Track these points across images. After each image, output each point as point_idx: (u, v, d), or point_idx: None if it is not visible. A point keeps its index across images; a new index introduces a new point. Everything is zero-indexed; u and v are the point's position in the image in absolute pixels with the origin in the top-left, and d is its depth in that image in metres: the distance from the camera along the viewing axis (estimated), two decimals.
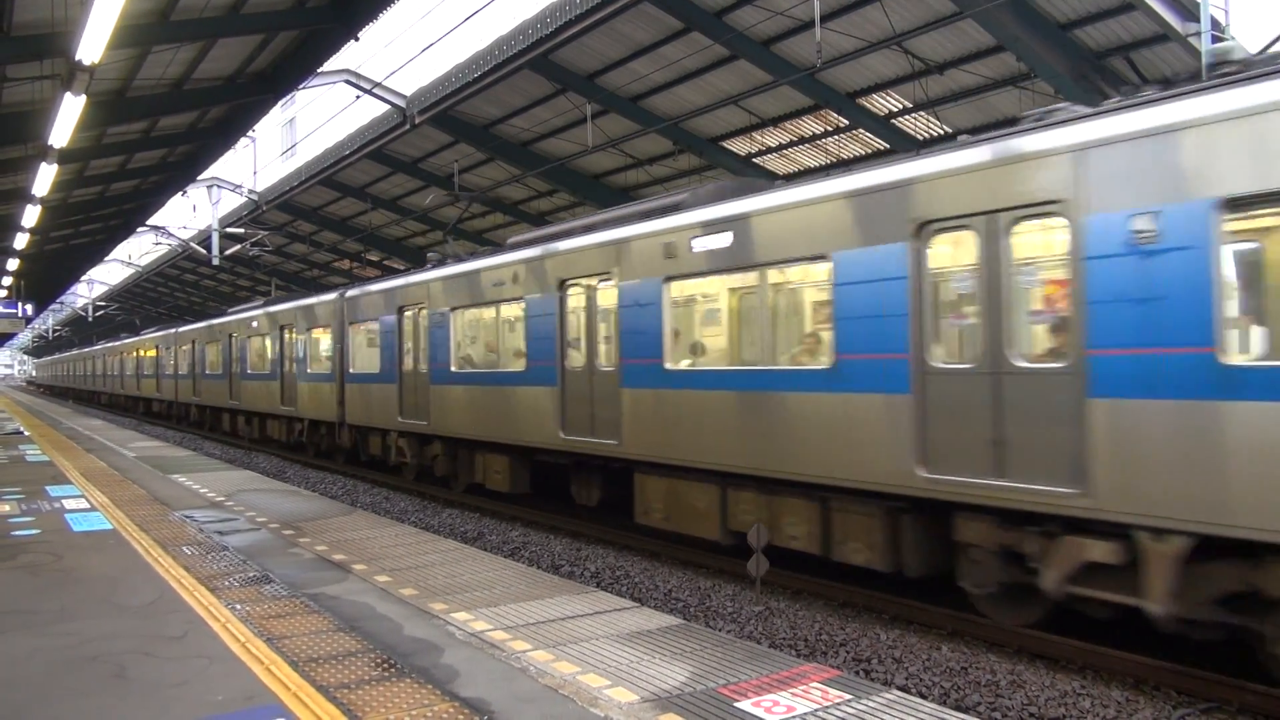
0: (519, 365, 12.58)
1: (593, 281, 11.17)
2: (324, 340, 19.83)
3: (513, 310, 12.99)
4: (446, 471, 15.07)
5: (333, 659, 5.09)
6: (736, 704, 4.45)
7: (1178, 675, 6.49)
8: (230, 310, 28.76)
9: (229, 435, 27.86)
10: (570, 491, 12.32)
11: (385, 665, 4.99)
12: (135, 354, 42.06)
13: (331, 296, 19.40)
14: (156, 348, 37.12)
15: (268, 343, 23.22)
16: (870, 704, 4.46)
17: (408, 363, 15.80)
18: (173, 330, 34.53)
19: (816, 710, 4.38)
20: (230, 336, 26.25)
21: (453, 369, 14.25)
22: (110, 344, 51.06)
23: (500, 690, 4.62)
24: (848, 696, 4.55)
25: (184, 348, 32.15)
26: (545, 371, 11.91)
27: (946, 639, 7.67)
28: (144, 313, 61.64)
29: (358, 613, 6.08)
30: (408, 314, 15.88)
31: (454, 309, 14.35)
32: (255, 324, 24.16)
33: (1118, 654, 6.84)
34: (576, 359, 11.53)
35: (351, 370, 18.14)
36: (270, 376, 22.84)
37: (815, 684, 4.72)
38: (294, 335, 21.36)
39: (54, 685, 4.70)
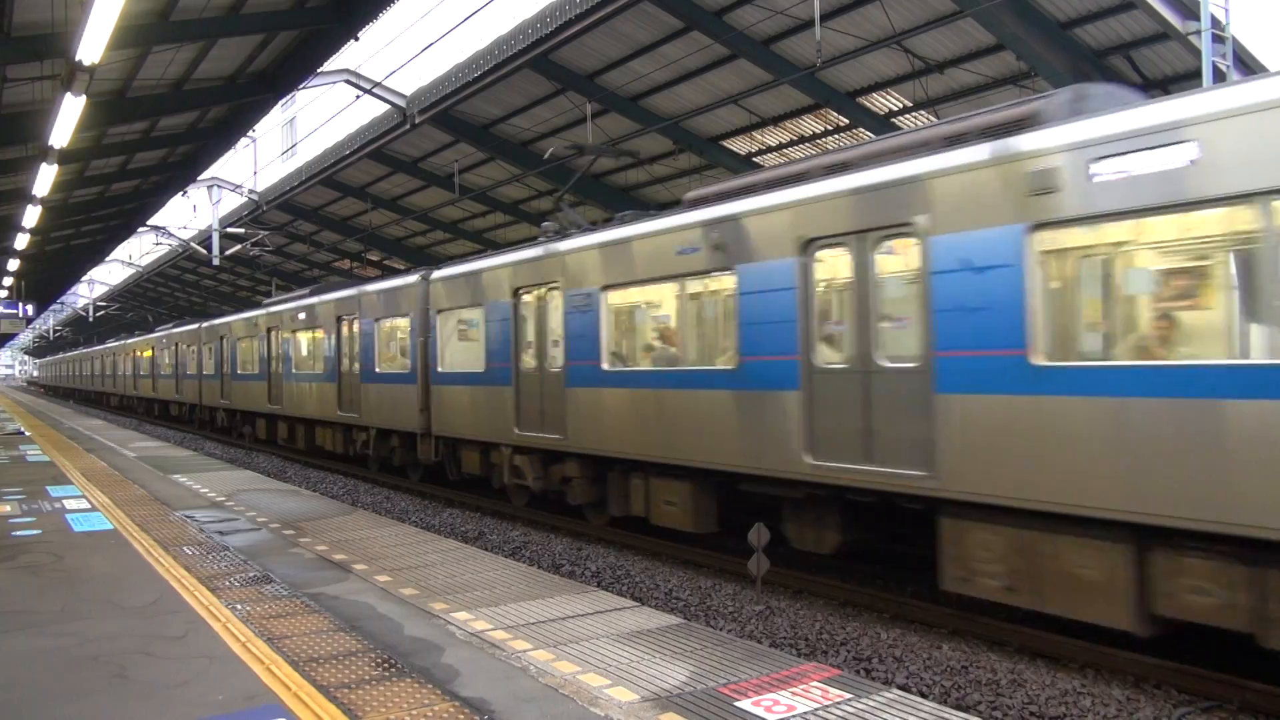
0: (723, 361, 9.46)
1: (866, 240, 7.91)
2: (399, 333, 16.56)
3: (711, 287, 9.83)
4: (587, 499, 11.72)
5: (333, 659, 5.09)
6: (737, 703, 4.45)
7: (1178, 674, 6.49)
8: (267, 302, 25.35)
9: (267, 443, 24.80)
10: (785, 532, 9.11)
11: (386, 665, 4.99)
12: (149, 352, 38.71)
13: (411, 280, 15.97)
14: (175, 345, 33.78)
15: (319, 337, 19.82)
16: (871, 703, 4.46)
17: (527, 360, 12.51)
18: (195, 326, 31.15)
19: (817, 709, 4.38)
20: (269, 331, 22.93)
21: (604, 367, 10.94)
22: (121, 341, 47.27)
23: (500, 690, 4.62)
24: (848, 695, 4.55)
25: (209, 345, 28.84)
26: (774, 370, 8.68)
27: (947, 638, 7.66)
28: (144, 313, 61.66)
29: (358, 612, 6.08)
30: (528, 297, 12.52)
31: (605, 288, 10.95)
32: (303, 316, 20.72)
33: (1119, 653, 6.83)
34: (832, 353, 8.29)
35: (440, 369, 14.81)
36: (324, 377, 19.36)
37: (815, 683, 4.72)
38: (355, 328, 17.97)
39: (55, 685, 4.71)
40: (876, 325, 7.87)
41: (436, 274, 15.20)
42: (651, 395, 10.30)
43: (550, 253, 12.03)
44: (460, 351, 14.56)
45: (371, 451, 17.62)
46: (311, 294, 21.15)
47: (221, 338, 27.41)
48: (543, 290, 12.19)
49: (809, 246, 8.41)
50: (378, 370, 16.97)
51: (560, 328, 11.72)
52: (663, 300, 10.58)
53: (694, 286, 9.98)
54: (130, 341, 44.33)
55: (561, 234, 12.40)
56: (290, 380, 21.60)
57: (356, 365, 17.85)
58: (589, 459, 11.50)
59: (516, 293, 12.71)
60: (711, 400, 9.42)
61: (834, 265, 8.28)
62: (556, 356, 11.86)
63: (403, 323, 16.24)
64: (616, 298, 11.01)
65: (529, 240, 13.64)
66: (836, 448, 8.08)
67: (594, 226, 12.25)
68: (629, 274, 10.68)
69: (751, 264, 8.97)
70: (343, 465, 20.10)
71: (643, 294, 10.84)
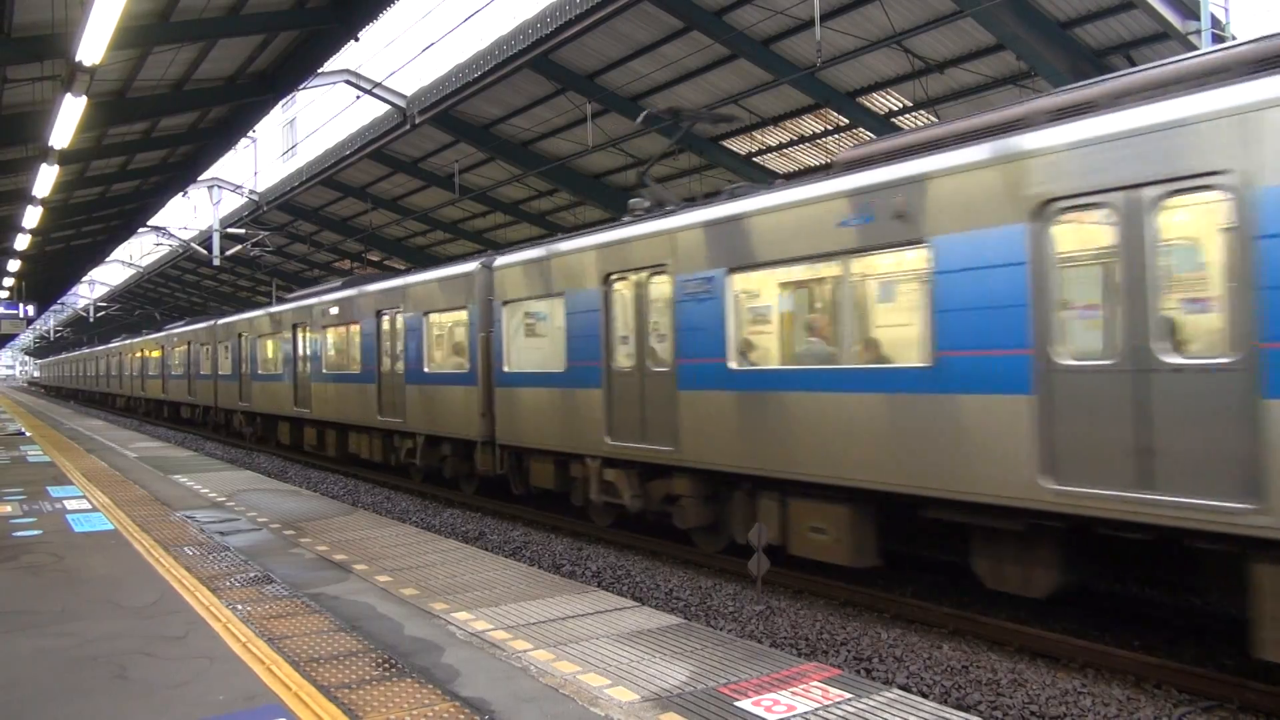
0: (909, 358, 7.69)
1: (1140, 199, 6.14)
2: (454, 328, 14.92)
3: (891, 266, 8.04)
4: (699, 521, 9.96)
5: (334, 659, 5.09)
6: (737, 703, 4.45)
7: (1179, 673, 6.49)
8: (291, 296, 23.76)
9: (292, 449, 23.11)
10: (974, 567, 7.56)
11: (386, 665, 4.99)
12: (158, 352, 36.73)
13: (469, 268, 14.16)
14: (188, 344, 31.81)
15: (355, 334, 18.04)
16: (871, 703, 4.46)
17: (622, 358, 10.79)
18: (210, 322, 29.34)
19: (817, 709, 4.38)
20: (294, 328, 21.25)
21: (731, 366, 9.20)
22: (127, 340, 45.45)
23: (501, 690, 4.62)
24: (848, 695, 4.55)
25: (226, 344, 27.11)
26: (990, 368, 6.92)
27: (947, 638, 7.66)
28: (147, 313, 61.70)
29: (358, 613, 6.09)
30: (620, 285, 10.80)
31: (733, 271, 9.21)
32: (335, 310, 18.99)
33: (1119, 652, 6.83)
34: (1084, 347, 6.56)
35: (506, 369, 13.07)
36: (361, 378, 17.58)
37: (816, 683, 4.72)
38: (398, 323, 16.29)
39: (55, 685, 4.71)
40: (1157, 310, 6.07)
41: (500, 260, 13.37)
42: (801, 400, 8.51)
43: (655, 231, 10.19)
44: (532, 348, 12.85)
45: (419, 461, 15.79)
46: (345, 286, 19.30)
47: (240, 335, 25.56)
48: (643, 275, 10.42)
49: (1045, 209, 6.63)
50: (426, 370, 15.24)
51: (669, 319, 9.97)
52: (816, 283, 8.81)
53: (862, 266, 8.14)
54: (137, 340, 42.55)
55: (656, 211, 10.81)
56: (320, 381, 19.77)
57: (400, 364, 16.14)
58: (701, 475, 9.77)
59: (607, 279, 10.93)
60: (891, 406, 7.68)
61: (1085, 232, 6.55)
62: (663, 353, 10.17)
63: (458, 316, 14.53)
64: (748, 282, 9.24)
65: (533, 240, 13.56)
66: (1092, 470, 6.32)
67: (697, 202, 10.67)
68: (767, 253, 8.85)
69: (954, 235, 7.17)
70: (344, 466, 20.09)
71: (786, 276, 9.01)
